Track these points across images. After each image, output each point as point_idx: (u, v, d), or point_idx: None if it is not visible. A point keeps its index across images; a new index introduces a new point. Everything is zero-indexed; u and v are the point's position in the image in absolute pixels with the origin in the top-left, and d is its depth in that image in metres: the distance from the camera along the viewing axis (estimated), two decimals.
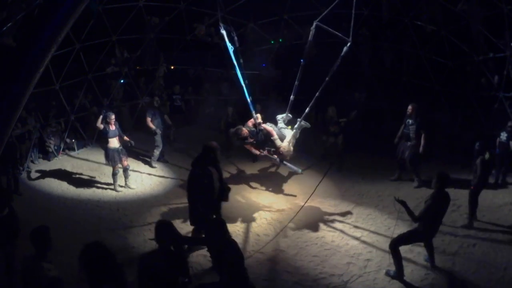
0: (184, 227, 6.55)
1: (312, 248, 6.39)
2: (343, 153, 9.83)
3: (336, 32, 7.00)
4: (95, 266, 3.10)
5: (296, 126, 7.76)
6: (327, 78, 7.14)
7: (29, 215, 6.54)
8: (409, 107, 8.55)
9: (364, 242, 6.54)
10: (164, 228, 3.82)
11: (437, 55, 11.33)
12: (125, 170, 8.51)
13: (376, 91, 12.23)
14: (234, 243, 4.08)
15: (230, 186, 6.65)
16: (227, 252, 3.89)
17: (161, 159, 10.00)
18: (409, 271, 5.65)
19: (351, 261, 5.98)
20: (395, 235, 5.72)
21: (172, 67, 12.75)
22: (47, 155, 9.99)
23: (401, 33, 11.66)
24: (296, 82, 7.47)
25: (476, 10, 9.57)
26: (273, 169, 9.67)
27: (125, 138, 8.44)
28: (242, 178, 9.09)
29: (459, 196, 7.68)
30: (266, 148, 7.59)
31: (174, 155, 10.57)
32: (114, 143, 8.24)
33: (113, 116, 8.25)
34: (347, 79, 12.48)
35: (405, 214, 5.42)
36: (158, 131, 9.62)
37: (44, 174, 9.10)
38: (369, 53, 12.62)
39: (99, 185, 8.72)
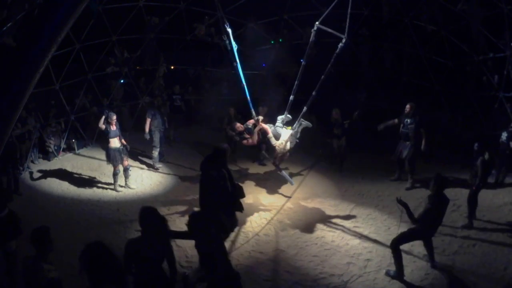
0: (185, 227, 6.53)
1: (312, 248, 6.39)
2: (346, 154, 9.84)
3: (332, 31, 7.02)
4: (96, 266, 3.10)
5: (295, 125, 7.79)
6: (323, 76, 7.16)
7: (29, 215, 6.53)
8: (407, 106, 8.54)
9: (364, 242, 6.54)
10: (147, 214, 3.89)
11: (437, 55, 11.34)
12: (126, 170, 8.51)
13: (376, 91, 12.23)
14: (219, 236, 4.32)
15: None
16: (216, 244, 4.04)
17: (160, 159, 10.01)
18: (409, 271, 5.65)
19: (351, 261, 5.98)
20: (395, 235, 5.72)
21: (172, 67, 12.75)
22: (47, 155, 10.00)
23: (401, 33, 11.66)
24: (296, 82, 7.48)
25: (476, 10, 9.58)
26: (273, 170, 9.66)
27: (122, 141, 8.43)
28: (242, 178, 9.09)
29: (459, 196, 7.69)
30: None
31: (174, 155, 10.58)
32: (115, 143, 8.25)
33: (114, 116, 8.26)
34: (347, 79, 12.49)
35: (406, 214, 5.42)
36: (157, 133, 9.60)
37: (44, 174, 9.10)
38: (369, 53, 12.63)
39: (99, 185, 8.72)
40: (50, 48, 4.27)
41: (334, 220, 7.30)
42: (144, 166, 9.83)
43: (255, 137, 7.85)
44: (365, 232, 6.84)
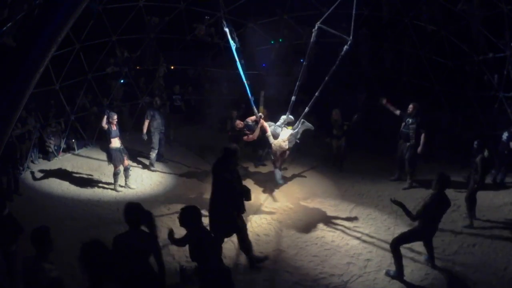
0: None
1: (312, 248, 6.39)
2: (345, 155, 9.84)
3: (337, 32, 7.01)
4: (95, 264, 3.11)
5: (295, 125, 7.79)
6: (326, 78, 7.15)
7: (29, 215, 6.53)
8: (410, 106, 8.54)
9: (364, 242, 6.54)
10: (132, 209, 4.00)
11: (437, 55, 11.33)
12: (126, 170, 8.51)
13: (376, 91, 12.22)
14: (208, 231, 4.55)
15: None
16: (206, 237, 4.20)
17: (160, 159, 10.00)
18: (409, 271, 5.65)
19: (351, 261, 5.98)
20: (395, 235, 5.72)
21: (172, 67, 12.75)
22: (47, 155, 9.99)
23: (401, 33, 11.66)
24: (297, 83, 7.48)
25: (476, 10, 9.57)
26: (273, 170, 9.66)
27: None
28: (242, 178, 9.07)
29: (459, 196, 7.68)
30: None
31: (174, 155, 10.58)
32: (116, 143, 8.27)
33: (115, 116, 8.29)
34: (347, 79, 12.48)
35: (404, 214, 5.42)
36: (157, 134, 9.58)
37: (44, 174, 9.10)
38: (369, 53, 12.62)
39: (99, 185, 8.72)
40: (50, 48, 4.26)
41: (334, 220, 7.30)
42: (144, 166, 9.82)
43: (257, 133, 7.91)
44: (365, 232, 6.84)
